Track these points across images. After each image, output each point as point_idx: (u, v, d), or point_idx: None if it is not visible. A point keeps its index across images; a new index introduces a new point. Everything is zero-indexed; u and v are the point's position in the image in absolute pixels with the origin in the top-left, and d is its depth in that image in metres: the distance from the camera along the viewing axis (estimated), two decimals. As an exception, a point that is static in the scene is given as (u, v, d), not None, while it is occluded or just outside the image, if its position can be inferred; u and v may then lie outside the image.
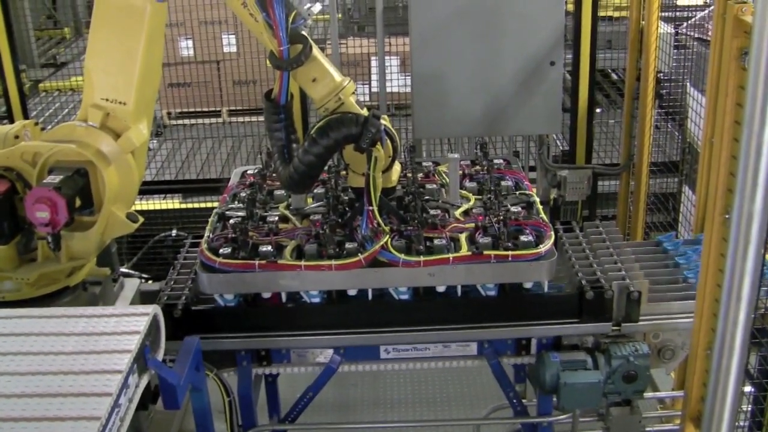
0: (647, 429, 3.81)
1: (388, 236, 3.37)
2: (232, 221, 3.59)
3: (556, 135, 6.56)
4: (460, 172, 3.88)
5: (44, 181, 3.17)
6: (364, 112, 3.36)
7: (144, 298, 3.70)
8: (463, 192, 3.79)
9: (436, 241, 3.35)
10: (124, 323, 2.82)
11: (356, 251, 3.32)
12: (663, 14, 5.58)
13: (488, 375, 3.68)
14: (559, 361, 3.41)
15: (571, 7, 5.63)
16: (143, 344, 2.76)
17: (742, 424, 3.29)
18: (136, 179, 3.43)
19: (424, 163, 4.08)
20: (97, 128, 3.32)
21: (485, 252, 3.30)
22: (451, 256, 3.30)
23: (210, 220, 3.69)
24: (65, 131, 3.36)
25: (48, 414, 2.40)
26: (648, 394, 3.98)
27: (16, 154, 3.28)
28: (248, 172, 4.15)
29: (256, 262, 3.31)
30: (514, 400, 3.76)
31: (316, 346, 3.54)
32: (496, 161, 4.09)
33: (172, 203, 6.92)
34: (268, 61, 3.35)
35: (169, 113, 8.48)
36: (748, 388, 3.38)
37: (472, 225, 3.48)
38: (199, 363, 3.21)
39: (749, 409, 3.36)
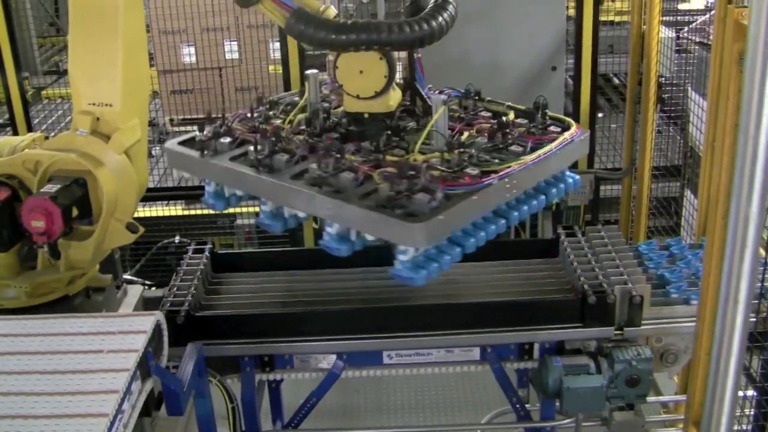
0: (650, 433, 3.80)
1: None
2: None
3: (558, 140, 6.54)
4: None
5: (41, 190, 3.17)
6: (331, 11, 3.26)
7: (147, 304, 3.70)
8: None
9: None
10: (127, 330, 2.83)
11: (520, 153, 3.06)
12: (664, 18, 5.59)
13: (491, 380, 3.67)
14: (562, 366, 3.40)
15: (572, 12, 5.64)
16: (146, 351, 2.76)
17: (744, 427, 3.29)
18: (135, 188, 3.42)
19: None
20: (91, 135, 3.32)
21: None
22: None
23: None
24: (66, 140, 3.37)
25: (56, 412, 2.43)
26: (651, 398, 3.97)
27: (17, 162, 3.29)
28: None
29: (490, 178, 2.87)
30: (517, 405, 3.75)
31: (318, 352, 3.54)
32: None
33: (175, 210, 6.92)
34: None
35: (171, 120, 8.46)
36: (750, 392, 3.38)
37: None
38: (203, 369, 3.21)
39: (752, 413, 3.36)
